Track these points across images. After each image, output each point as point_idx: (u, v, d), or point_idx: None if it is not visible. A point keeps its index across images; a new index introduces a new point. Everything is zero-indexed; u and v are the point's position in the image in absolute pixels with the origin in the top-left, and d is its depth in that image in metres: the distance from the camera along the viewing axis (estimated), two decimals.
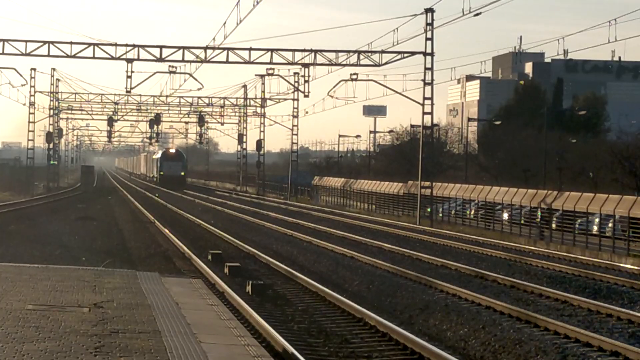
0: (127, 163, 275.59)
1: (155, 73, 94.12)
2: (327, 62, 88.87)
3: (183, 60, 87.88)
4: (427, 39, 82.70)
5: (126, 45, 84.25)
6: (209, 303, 24.75)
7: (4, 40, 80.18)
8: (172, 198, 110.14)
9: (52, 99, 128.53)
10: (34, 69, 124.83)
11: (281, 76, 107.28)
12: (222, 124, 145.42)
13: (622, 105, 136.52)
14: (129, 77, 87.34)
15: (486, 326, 26.58)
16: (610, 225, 59.49)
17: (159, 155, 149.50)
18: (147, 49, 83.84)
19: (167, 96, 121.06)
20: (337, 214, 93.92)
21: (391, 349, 23.26)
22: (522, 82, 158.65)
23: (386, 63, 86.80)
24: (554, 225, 64.50)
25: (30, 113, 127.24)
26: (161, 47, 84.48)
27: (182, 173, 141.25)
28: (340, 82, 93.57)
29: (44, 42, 79.78)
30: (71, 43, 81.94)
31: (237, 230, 63.62)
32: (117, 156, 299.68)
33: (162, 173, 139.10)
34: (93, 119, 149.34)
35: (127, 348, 16.69)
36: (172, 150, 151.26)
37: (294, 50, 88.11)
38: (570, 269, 44.76)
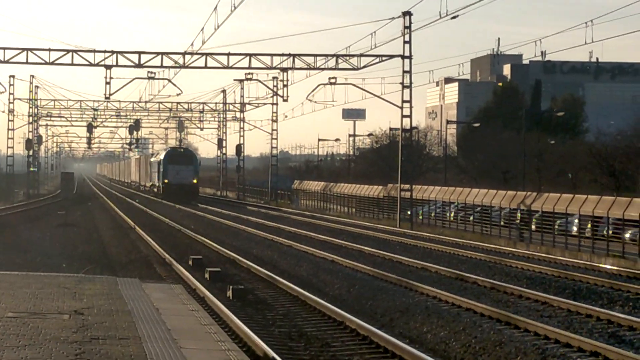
0: (111, 169, 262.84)
1: (134, 79, 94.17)
2: (306, 67, 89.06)
3: (162, 66, 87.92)
4: (405, 42, 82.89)
5: (105, 51, 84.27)
6: (190, 308, 24.83)
7: None
8: (152, 204, 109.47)
9: (31, 106, 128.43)
10: (13, 76, 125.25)
11: (260, 81, 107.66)
12: (202, 129, 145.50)
13: (600, 106, 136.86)
14: (107, 83, 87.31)
15: (466, 328, 26.72)
16: (589, 226, 59.66)
17: (161, 156, 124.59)
18: (126, 55, 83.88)
19: (146, 102, 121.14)
20: (317, 218, 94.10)
21: (372, 352, 23.36)
22: (500, 84, 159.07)
23: (365, 66, 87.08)
24: (533, 227, 64.84)
25: (9, 120, 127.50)
26: (140, 52, 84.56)
27: (195, 180, 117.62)
28: (318, 86, 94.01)
29: (23, 49, 79.91)
30: (49, 50, 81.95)
31: (217, 235, 63.73)
32: (98, 162, 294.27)
33: (166, 181, 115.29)
34: (72, 126, 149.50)
35: (107, 355, 16.84)
36: (181, 149, 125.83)
37: (272, 55, 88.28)
38: (550, 270, 45.05)
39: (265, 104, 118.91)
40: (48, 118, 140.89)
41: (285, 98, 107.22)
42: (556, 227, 62.52)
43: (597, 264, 48.88)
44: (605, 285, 38.87)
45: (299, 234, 66.98)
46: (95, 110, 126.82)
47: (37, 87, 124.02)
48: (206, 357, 17.63)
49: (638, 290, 36.94)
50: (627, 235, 54.90)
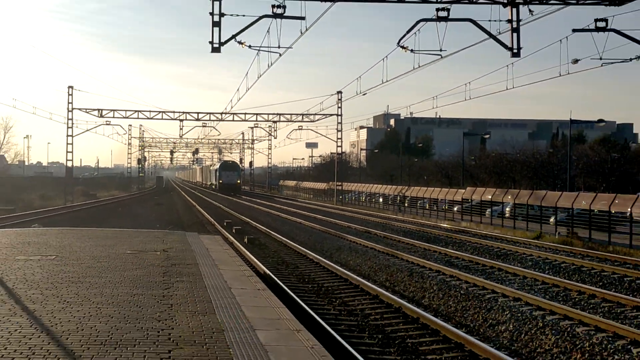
0: (184, 174, 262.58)
1: (194, 127, 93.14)
2: (287, 120, 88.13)
3: (210, 120, 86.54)
4: (338, 107, 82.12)
5: (179, 112, 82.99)
6: (224, 248, 24.76)
7: (113, 110, 79.01)
8: (207, 194, 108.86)
9: (140, 141, 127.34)
10: (130, 125, 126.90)
11: (262, 127, 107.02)
12: (231, 153, 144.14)
13: (440, 142, 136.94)
14: (180, 128, 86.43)
15: (371, 258, 27.35)
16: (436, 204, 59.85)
17: (217, 166, 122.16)
18: (191, 114, 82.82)
19: (202, 139, 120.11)
20: (291, 201, 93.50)
21: (320, 270, 24.15)
22: (388, 129, 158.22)
23: (318, 120, 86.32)
24: (406, 204, 64.55)
25: (128, 148, 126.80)
26: (198, 112, 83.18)
27: (238, 181, 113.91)
28: (292, 130, 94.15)
29: (135, 111, 78.65)
30: (150, 111, 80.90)
31: (240, 210, 63.12)
32: (176, 171, 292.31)
33: (220, 181, 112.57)
34: (162, 151, 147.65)
35: (180, 272, 17.42)
36: (230, 162, 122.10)
37: (268, 114, 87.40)
38: (414, 227, 45.34)
39: (264, 139, 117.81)
40: (149, 147, 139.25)
41: (275, 137, 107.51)
42: (418, 205, 62.41)
43: (439, 224, 48.81)
44: (443, 236, 38.89)
45: (282, 209, 66.33)
46: (174, 142, 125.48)
47: (143, 130, 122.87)
48: (232, 273, 17.61)
49: (460, 238, 37.05)
50: (455, 209, 54.99)
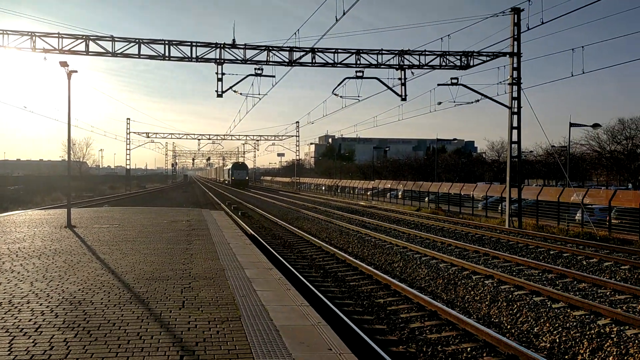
0: (202, 173, 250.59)
1: (207, 144, 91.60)
2: (265, 139, 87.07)
3: (217, 139, 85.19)
4: (297, 131, 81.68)
5: (197, 134, 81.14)
6: (226, 218, 24.19)
7: (155, 133, 77.41)
8: (220, 188, 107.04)
9: (172, 152, 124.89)
10: (167, 143, 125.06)
11: (250, 144, 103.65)
12: (231, 159, 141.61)
13: (360, 152, 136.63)
14: (199, 144, 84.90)
15: (317, 224, 26.87)
16: (368, 192, 59.35)
17: (229, 166, 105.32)
18: (204, 135, 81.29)
19: (212, 151, 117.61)
20: (268, 191, 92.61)
21: (285, 232, 23.61)
22: (327, 145, 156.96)
23: (284, 139, 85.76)
24: (339, 190, 64.31)
25: (165, 157, 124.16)
26: (209, 135, 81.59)
27: (246, 177, 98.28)
28: (268, 145, 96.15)
29: (169, 134, 77.32)
30: (178, 133, 79.18)
31: (240, 196, 62.39)
32: (197, 171, 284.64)
33: (233, 178, 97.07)
34: (187, 159, 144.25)
35: (197, 234, 16.89)
36: (240, 163, 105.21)
37: (254, 135, 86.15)
38: (344, 205, 44.23)
39: (252, 151, 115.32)
40: (178, 156, 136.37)
41: (258, 149, 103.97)
42: (346, 191, 62.03)
43: (358, 203, 48.37)
44: (360, 209, 38.45)
45: (263, 194, 65.29)
46: (194, 153, 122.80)
47: (175, 146, 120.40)
48: (230, 234, 17.05)
49: (371, 211, 36.55)
50: (368, 193, 54.82)
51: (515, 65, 25.90)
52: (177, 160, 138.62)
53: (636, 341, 8.24)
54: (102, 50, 24.00)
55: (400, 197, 47.77)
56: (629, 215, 22.26)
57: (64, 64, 17.47)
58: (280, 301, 8.14)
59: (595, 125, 40.21)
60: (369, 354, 7.54)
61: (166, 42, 24.58)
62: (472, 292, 11.63)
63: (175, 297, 8.20)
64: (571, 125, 38.94)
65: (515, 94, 25.88)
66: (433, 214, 33.11)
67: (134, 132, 75.35)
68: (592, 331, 8.78)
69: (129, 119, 75.45)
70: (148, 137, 77.55)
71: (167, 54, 24.43)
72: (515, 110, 25.97)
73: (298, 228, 24.57)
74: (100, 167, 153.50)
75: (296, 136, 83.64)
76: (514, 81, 25.93)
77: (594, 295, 11.40)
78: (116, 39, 24.27)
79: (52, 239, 15.03)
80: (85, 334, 6.41)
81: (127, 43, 24.32)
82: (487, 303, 10.76)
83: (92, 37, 23.96)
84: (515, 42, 25.71)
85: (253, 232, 21.32)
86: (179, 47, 24.72)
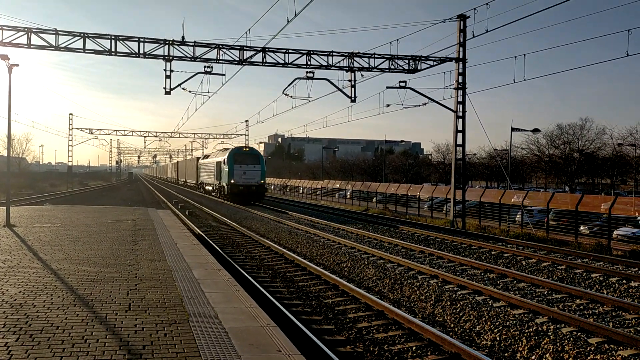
0: (148, 171, 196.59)
1: (153, 141, 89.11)
2: (214, 137, 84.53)
3: (164, 136, 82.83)
4: (246, 130, 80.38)
5: (144, 131, 78.57)
6: (173, 218, 23.77)
7: (99, 129, 75.01)
8: (160, 183, 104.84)
9: (117, 149, 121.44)
10: (111, 139, 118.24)
11: (198, 142, 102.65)
12: (178, 157, 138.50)
13: (309, 152, 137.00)
14: (144, 141, 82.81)
15: (266, 223, 26.33)
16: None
17: (225, 155, 39.44)
18: (151, 132, 79.09)
19: (158, 148, 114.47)
20: None
21: (234, 232, 23.19)
22: (277, 144, 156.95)
23: (233, 138, 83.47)
24: (288, 190, 63.99)
25: (110, 155, 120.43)
26: (156, 132, 79.03)
27: (262, 181, 38.52)
28: (217, 144, 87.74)
29: (114, 130, 75.11)
30: (124, 130, 76.99)
31: (182, 193, 61.29)
32: (142, 169, 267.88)
33: (233, 181, 37.74)
34: (132, 156, 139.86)
35: (143, 234, 16.62)
36: (247, 149, 40.30)
37: (202, 133, 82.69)
38: (292, 204, 43.89)
39: (199, 149, 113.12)
40: (123, 153, 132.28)
41: (206, 148, 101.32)
42: (295, 190, 61.88)
43: (307, 202, 48.56)
44: (310, 209, 37.90)
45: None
46: (140, 151, 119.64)
47: (119, 143, 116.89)
48: (177, 234, 16.87)
49: (320, 210, 36.54)
50: (317, 193, 55.10)
51: (461, 70, 26.72)
52: (121, 158, 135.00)
53: (571, 339, 8.50)
54: (45, 44, 23.27)
55: (349, 197, 48.30)
56: (566, 217, 22.98)
57: (4, 57, 16.78)
58: (229, 303, 8.06)
59: (535, 130, 42.02)
60: (318, 354, 7.57)
61: (112, 37, 24.03)
62: (417, 292, 11.77)
63: (121, 300, 8.05)
64: (512, 129, 40.53)
65: (460, 99, 26.69)
66: (381, 214, 33.24)
67: (77, 128, 73.25)
68: (531, 329, 8.96)
69: (71, 114, 73.19)
70: (92, 133, 75.32)
71: (113, 49, 23.87)
72: (461, 114, 26.81)
73: (247, 228, 24.24)
74: (41, 163, 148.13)
75: (245, 135, 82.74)
76: (459, 86, 26.75)
77: (533, 294, 11.68)
78: (60, 33, 23.52)
79: None
80: (27, 337, 6.23)
81: (72, 37, 23.61)
82: (432, 302, 10.92)
83: (34, 30, 23.17)
84: (461, 48, 26.55)
85: (201, 232, 20.92)
86: (126, 42, 24.19)
